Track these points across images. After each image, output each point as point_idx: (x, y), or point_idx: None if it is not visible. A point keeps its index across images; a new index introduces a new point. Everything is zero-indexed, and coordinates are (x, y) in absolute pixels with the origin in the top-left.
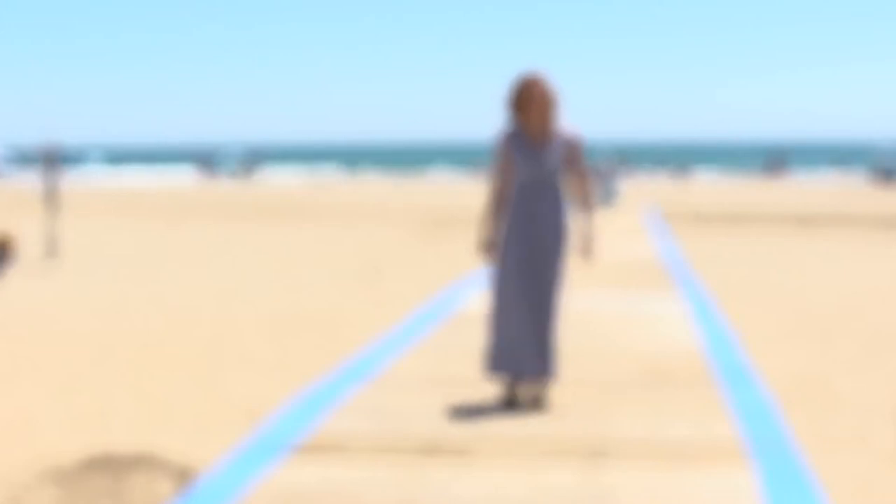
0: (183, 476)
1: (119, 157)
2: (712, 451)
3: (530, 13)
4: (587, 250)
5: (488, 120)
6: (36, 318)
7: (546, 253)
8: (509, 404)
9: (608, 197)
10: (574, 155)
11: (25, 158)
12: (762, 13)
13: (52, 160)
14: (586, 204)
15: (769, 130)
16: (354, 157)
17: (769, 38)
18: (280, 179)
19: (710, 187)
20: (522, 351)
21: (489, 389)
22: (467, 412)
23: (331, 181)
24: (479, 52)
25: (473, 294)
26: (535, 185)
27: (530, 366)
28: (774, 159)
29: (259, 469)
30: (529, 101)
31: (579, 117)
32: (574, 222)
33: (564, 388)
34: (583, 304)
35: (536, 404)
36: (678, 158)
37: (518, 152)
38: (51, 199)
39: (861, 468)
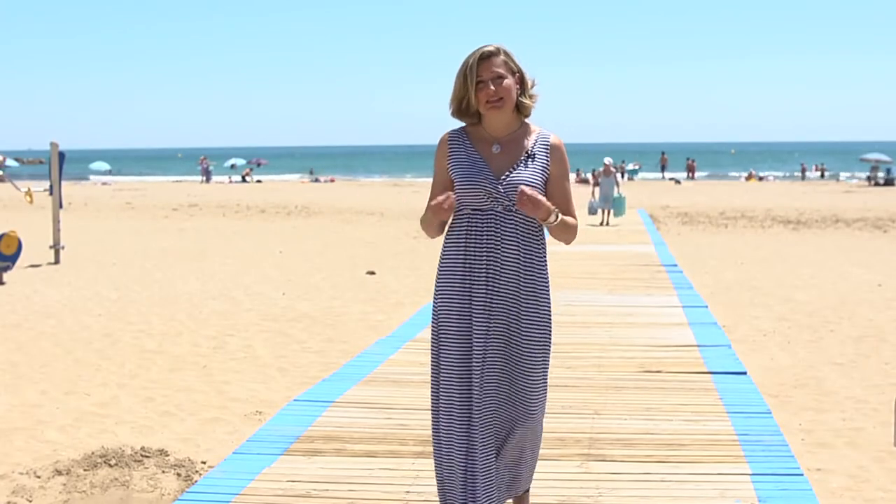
0: (185, 472)
1: (121, 161)
2: (706, 447)
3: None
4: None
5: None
6: (41, 318)
7: (510, 343)
8: None
9: (614, 206)
10: (559, 170)
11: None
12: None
13: (56, 163)
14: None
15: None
16: (355, 161)
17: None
18: (279, 182)
19: (699, 189)
20: (479, 489)
21: None
22: None
23: (331, 184)
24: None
25: None
26: (490, 215)
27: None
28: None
29: (260, 465)
30: (481, 83)
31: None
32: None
33: (561, 384)
34: (579, 302)
35: None
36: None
37: (461, 161)
38: (54, 200)
39: (852, 464)
